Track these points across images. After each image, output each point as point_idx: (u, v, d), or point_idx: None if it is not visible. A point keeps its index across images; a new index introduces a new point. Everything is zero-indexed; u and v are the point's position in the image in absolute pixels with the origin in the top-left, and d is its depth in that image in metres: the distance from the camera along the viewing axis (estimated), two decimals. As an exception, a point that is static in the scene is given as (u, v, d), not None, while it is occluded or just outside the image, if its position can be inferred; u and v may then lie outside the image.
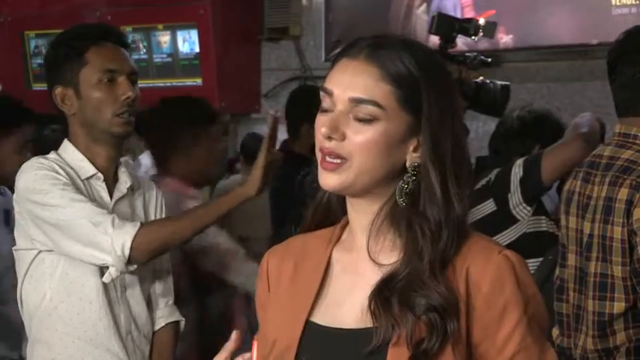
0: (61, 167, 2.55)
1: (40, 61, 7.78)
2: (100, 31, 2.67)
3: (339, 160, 1.53)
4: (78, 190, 2.53)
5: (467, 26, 3.44)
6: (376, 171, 1.53)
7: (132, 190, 2.69)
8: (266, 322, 1.69)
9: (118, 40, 2.68)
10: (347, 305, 1.58)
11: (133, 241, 2.46)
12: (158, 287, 2.76)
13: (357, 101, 1.52)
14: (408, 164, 1.55)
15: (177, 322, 2.80)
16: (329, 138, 1.52)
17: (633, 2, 5.96)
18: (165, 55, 7.76)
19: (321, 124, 1.54)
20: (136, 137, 6.12)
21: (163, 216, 2.78)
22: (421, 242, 1.52)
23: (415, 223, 1.53)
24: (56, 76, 2.59)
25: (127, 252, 2.45)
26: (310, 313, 1.60)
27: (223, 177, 8.14)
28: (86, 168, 2.60)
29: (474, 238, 1.57)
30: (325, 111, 1.56)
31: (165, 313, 2.77)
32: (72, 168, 2.59)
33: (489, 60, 3.55)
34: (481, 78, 3.31)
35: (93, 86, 2.58)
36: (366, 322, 1.54)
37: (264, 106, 7.70)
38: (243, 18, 7.64)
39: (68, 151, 2.63)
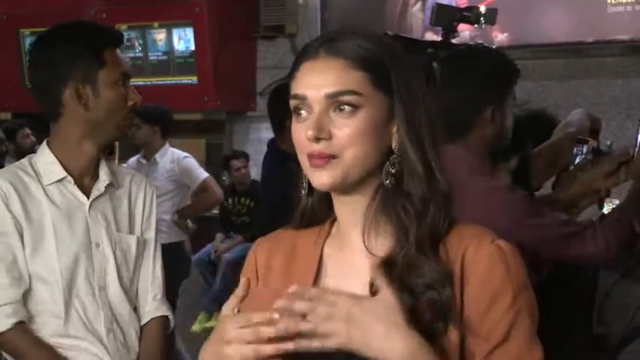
0: (22, 174, 2.58)
1: (35, 59, 7.78)
2: (113, 36, 2.69)
3: (328, 159, 1.50)
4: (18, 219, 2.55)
5: (468, 15, 3.42)
6: (367, 160, 1.51)
7: (112, 187, 2.69)
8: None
9: (122, 44, 2.71)
10: None
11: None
12: (145, 282, 2.76)
13: (334, 95, 1.50)
14: (393, 146, 1.53)
15: (165, 317, 2.79)
16: (316, 140, 1.50)
17: (629, 0, 5.98)
18: (160, 53, 7.76)
19: (305, 129, 1.51)
20: (158, 135, 6.16)
21: (152, 214, 2.78)
22: (406, 221, 1.51)
23: (398, 204, 1.52)
24: (70, 73, 2.56)
25: None
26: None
27: (222, 174, 8.18)
28: (54, 172, 2.58)
29: (468, 226, 1.56)
30: (301, 117, 1.53)
31: (152, 308, 2.76)
32: (37, 174, 2.60)
33: (492, 48, 3.55)
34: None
35: (111, 87, 2.57)
36: None
37: (259, 104, 7.70)
38: (238, 16, 7.64)
39: (43, 154, 2.63)
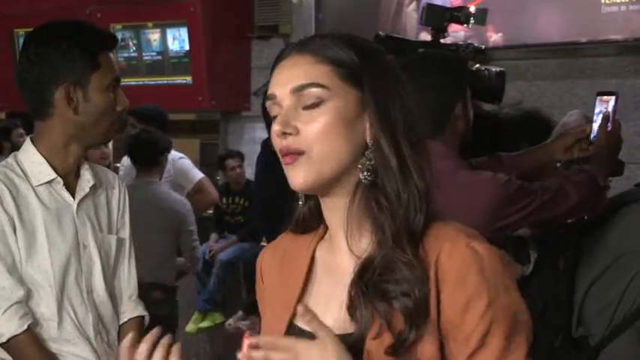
0: (11, 174, 2.55)
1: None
2: (109, 38, 2.65)
3: (297, 155, 1.49)
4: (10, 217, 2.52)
5: (458, 15, 3.42)
6: (339, 155, 1.49)
7: (95, 188, 2.67)
8: (263, 315, 1.69)
9: (115, 47, 2.68)
10: (329, 311, 1.54)
11: (9, 338, 2.48)
12: (122, 282, 2.75)
13: (299, 89, 1.49)
14: (368, 140, 1.51)
15: (141, 317, 2.79)
16: (283, 135, 1.49)
17: (622, 1, 5.98)
18: (155, 53, 7.76)
19: (273, 127, 1.50)
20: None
21: (126, 212, 2.76)
22: (380, 216, 1.49)
23: (372, 199, 1.50)
24: (63, 74, 2.52)
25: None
26: (294, 318, 1.56)
27: (216, 174, 8.17)
28: (44, 173, 2.55)
29: (446, 225, 1.52)
30: (275, 117, 1.51)
31: (129, 308, 2.75)
32: (25, 174, 2.58)
33: (483, 47, 3.54)
34: (477, 65, 3.30)
35: (101, 92, 2.54)
36: (348, 329, 1.50)
37: (254, 104, 7.70)
38: (233, 16, 7.64)
39: (29, 153, 2.58)
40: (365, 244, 1.52)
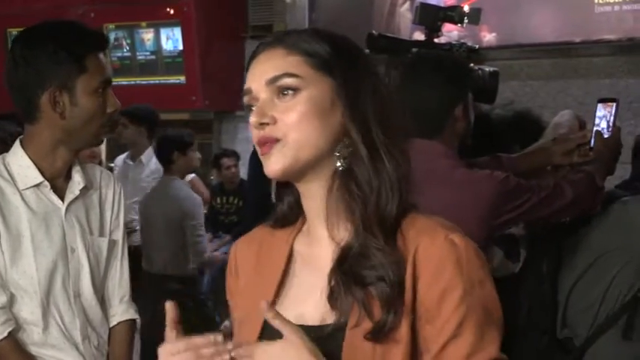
0: None
1: (22, 58, 7.75)
2: (98, 40, 2.60)
3: (273, 143, 1.51)
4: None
5: (451, 14, 3.43)
6: (314, 142, 1.51)
7: (86, 189, 2.63)
8: (234, 310, 1.69)
9: (106, 48, 2.63)
10: (310, 301, 1.55)
11: None
12: (112, 284, 2.71)
13: (273, 80, 1.51)
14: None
15: (132, 320, 2.76)
16: (261, 126, 1.51)
17: (616, 1, 5.99)
18: (148, 53, 7.74)
19: (250, 119, 1.53)
20: (144, 136, 6.15)
21: (121, 213, 2.74)
22: (352, 204, 1.51)
23: (347, 187, 1.52)
24: (49, 77, 2.46)
25: None
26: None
27: (210, 174, 8.16)
28: (30, 177, 2.51)
29: (427, 219, 1.55)
30: (252, 111, 1.54)
31: (119, 311, 2.71)
32: (12, 177, 2.53)
33: (476, 47, 3.55)
34: (470, 65, 3.30)
35: (89, 95, 2.49)
36: (330, 318, 1.51)
37: (247, 103, 7.69)
38: (226, 16, 7.63)
39: (17, 156, 2.54)
40: (343, 232, 1.54)
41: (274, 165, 1.52)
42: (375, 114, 1.53)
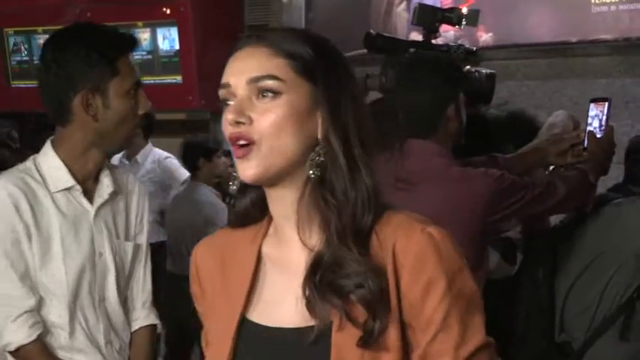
0: (29, 180, 2.49)
1: (19, 58, 7.74)
2: (128, 42, 2.59)
3: (248, 144, 1.50)
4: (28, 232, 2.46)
5: (450, 15, 3.44)
6: (289, 148, 1.49)
7: (115, 194, 2.62)
8: (204, 318, 1.68)
9: (135, 48, 2.63)
10: (286, 304, 1.54)
11: (18, 347, 2.44)
12: (136, 288, 2.71)
13: (255, 80, 1.50)
14: (319, 136, 1.51)
15: (154, 325, 2.75)
16: (237, 124, 1.50)
17: (612, 0, 5.99)
18: (145, 53, 7.72)
19: (226, 115, 1.51)
20: (140, 135, 6.15)
21: (145, 217, 2.73)
22: (327, 213, 1.49)
23: (320, 195, 1.50)
24: (81, 80, 2.44)
25: (8, 349, 2.44)
26: (245, 313, 1.57)
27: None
28: (62, 179, 2.50)
29: (398, 215, 1.54)
30: (228, 106, 1.53)
31: (142, 315, 2.71)
32: (44, 179, 2.51)
33: (474, 49, 3.55)
34: (467, 67, 3.31)
35: (122, 97, 2.48)
36: (308, 320, 1.50)
37: (244, 103, 7.68)
38: (223, 15, 7.62)
39: (47, 157, 2.54)
40: (315, 238, 1.53)
41: (248, 170, 1.51)
42: (354, 121, 1.52)
